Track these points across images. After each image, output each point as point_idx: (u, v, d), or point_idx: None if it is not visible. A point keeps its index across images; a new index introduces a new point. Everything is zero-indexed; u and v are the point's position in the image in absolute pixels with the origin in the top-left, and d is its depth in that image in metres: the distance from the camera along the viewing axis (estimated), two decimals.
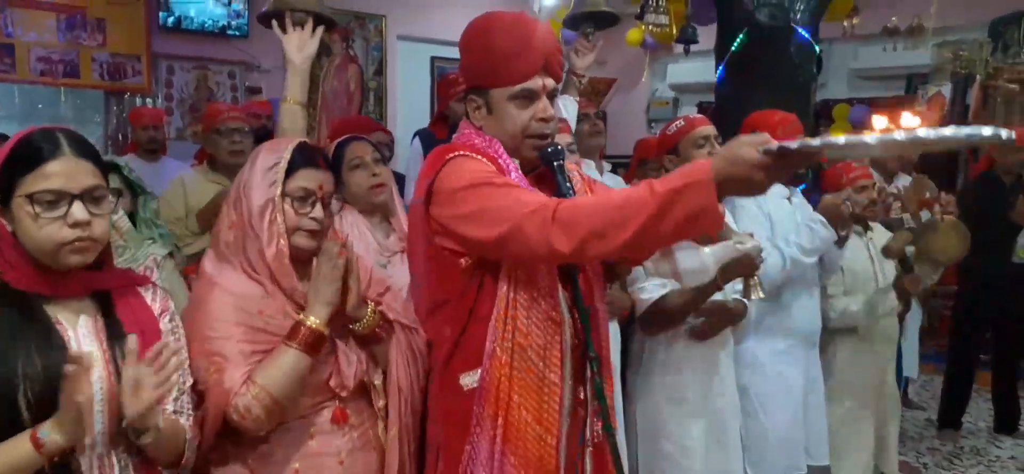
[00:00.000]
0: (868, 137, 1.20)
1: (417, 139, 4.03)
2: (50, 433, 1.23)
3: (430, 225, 1.66)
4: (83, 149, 1.36)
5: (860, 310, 3.02)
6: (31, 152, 1.32)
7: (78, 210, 1.31)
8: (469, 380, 1.66)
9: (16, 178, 1.31)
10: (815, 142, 1.23)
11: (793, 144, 1.25)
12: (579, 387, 1.70)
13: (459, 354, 1.67)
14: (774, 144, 1.26)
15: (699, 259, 1.48)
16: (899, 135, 1.26)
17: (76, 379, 1.21)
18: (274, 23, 2.21)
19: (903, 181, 4.19)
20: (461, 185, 1.59)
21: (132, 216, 2.52)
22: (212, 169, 3.38)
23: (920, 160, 4.56)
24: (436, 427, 1.74)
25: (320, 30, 2.22)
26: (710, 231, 1.58)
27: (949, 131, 1.16)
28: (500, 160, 1.65)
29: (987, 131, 1.12)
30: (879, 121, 1.24)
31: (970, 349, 4.64)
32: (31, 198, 1.29)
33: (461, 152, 1.65)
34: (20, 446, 1.23)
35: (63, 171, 1.31)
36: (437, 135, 3.87)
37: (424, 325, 1.76)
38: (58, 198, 1.30)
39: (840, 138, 1.22)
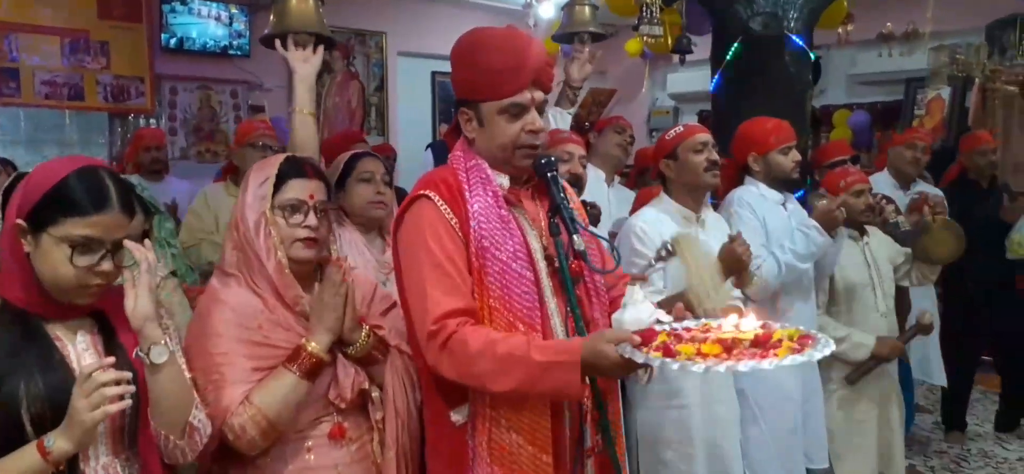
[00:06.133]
0: (720, 365, 1.28)
1: (430, 151, 4.09)
2: (57, 441, 1.26)
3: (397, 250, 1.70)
4: (127, 204, 1.39)
5: (871, 346, 3.05)
6: (81, 198, 1.33)
7: (107, 263, 1.36)
8: (459, 417, 1.65)
9: (58, 217, 1.33)
10: (655, 362, 1.34)
11: (651, 360, 1.35)
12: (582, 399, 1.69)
13: (443, 391, 1.66)
14: (635, 354, 1.37)
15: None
16: (767, 364, 1.30)
17: (89, 391, 1.23)
18: (277, 43, 2.25)
19: (921, 187, 4.21)
20: (408, 241, 1.65)
21: (146, 234, 2.56)
22: (235, 184, 3.46)
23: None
24: (435, 460, 1.74)
25: (321, 48, 2.26)
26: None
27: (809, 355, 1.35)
28: (467, 192, 1.65)
29: (820, 353, 1.35)
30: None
31: (966, 351, 4.62)
32: (70, 242, 1.32)
33: (426, 192, 1.65)
34: (27, 455, 1.27)
35: (107, 224, 1.35)
36: (450, 146, 3.91)
37: (411, 344, 1.75)
38: (94, 245, 1.34)
39: (699, 365, 1.29)
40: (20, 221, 1.34)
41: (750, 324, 1.41)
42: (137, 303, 1.36)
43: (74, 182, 1.34)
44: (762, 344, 1.34)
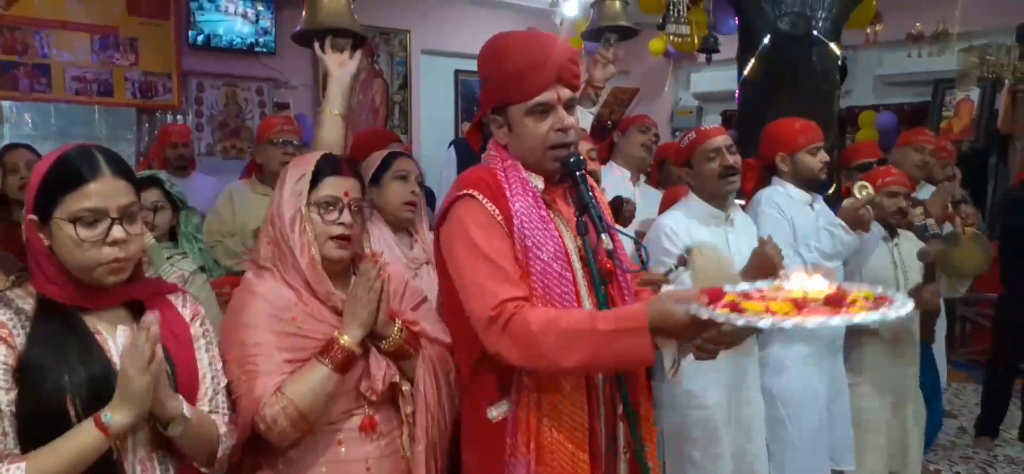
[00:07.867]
0: (787, 322, 1.21)
1: (453, 148, 4.08)
2: (114, 415, 1.28)
3: (441, 246, 1.70)
4: (120, 168, 1.40)
5: (911, 304, 3.03)
6: (71, 172, 1.36)
7: (117, 231, 1.36)
8: (496, 412, 1.66)
9: (57, 197, 1.35)
10: (721, 317, 1.26)
11: (716, 316, 1.28)
12: (615, 397, 1.70)
13: (481, 386, 1.68)
14: (701, 310, 1.30)
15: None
16: (819, 320, 1.22)
17: (140, 355, 1.24)
18: (316, 45, 2.26)
19: (925, 191, 4.15)
20: (456, 237, 1.64)
21: (173, 230, 2.59)
22: (260, 182, 3.47)
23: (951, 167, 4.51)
24: (469, 454, 1.75)
25: (359, 53, 2.27)
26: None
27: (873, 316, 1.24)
28: (508, 191, 1.65)
29: (895, 313, 1.24)
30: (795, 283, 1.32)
31: (1012, 357, 4.55)
32: (72, 219, 1.34)
33: (470, 191, 1.65)
34: (85, 433, 1.28)
35: (103, 191, 1.35)
36: (472, 144, 3.90)
37: (454, 341, 1.78)
38: (98, 217, 1.35)
39: (766, 320, 1.23)
40: (31, 217, 1.37)
41: (819, 285, 1.31)
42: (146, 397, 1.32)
43: (64, 160, 1.37)
44: (835, 303, 1.25)
